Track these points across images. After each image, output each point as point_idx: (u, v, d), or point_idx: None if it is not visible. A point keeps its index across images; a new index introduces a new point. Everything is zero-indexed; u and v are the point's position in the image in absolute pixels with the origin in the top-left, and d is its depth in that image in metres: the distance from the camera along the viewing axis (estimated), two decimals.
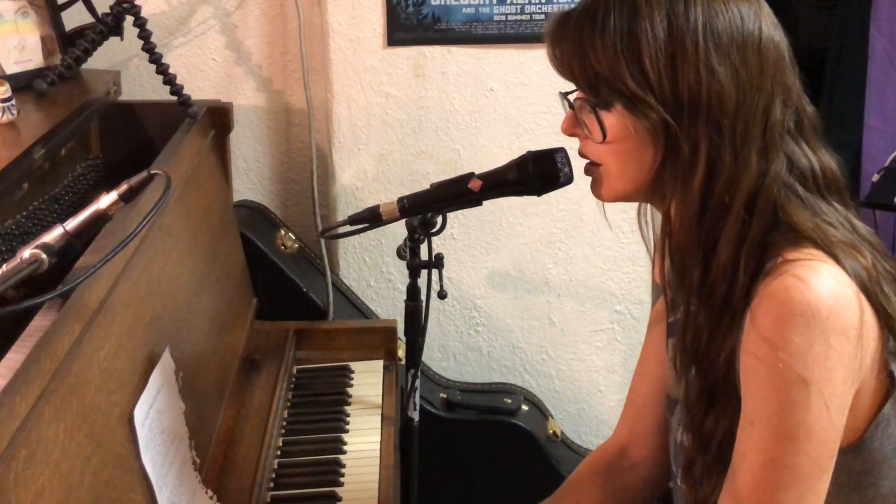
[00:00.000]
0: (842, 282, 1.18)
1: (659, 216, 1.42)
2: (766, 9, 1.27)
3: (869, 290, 1.21)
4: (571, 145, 2.40)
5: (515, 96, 2.43)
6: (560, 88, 2.38)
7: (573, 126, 1.34)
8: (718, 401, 1.28)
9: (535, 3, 2.35)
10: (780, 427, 1.19)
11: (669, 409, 1.47)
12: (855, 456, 1.26)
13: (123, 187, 1.28)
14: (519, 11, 2.36)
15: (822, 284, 1.16)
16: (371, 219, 1.68)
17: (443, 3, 2.35)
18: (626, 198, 1.34)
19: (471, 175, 1.64)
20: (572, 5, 1.29)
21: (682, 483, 1.39)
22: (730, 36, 1.22)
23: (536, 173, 1.61)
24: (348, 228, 1.71)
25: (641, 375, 1.58)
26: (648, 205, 1.41)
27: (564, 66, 1.30)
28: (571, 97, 1.34)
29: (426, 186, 1.71)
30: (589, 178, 1.36)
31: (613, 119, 1.26)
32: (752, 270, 1.22)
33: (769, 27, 1.25)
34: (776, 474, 1.20)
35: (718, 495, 1.28)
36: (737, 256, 1.23)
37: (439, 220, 1.71)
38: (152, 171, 1.29)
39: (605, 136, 1.27)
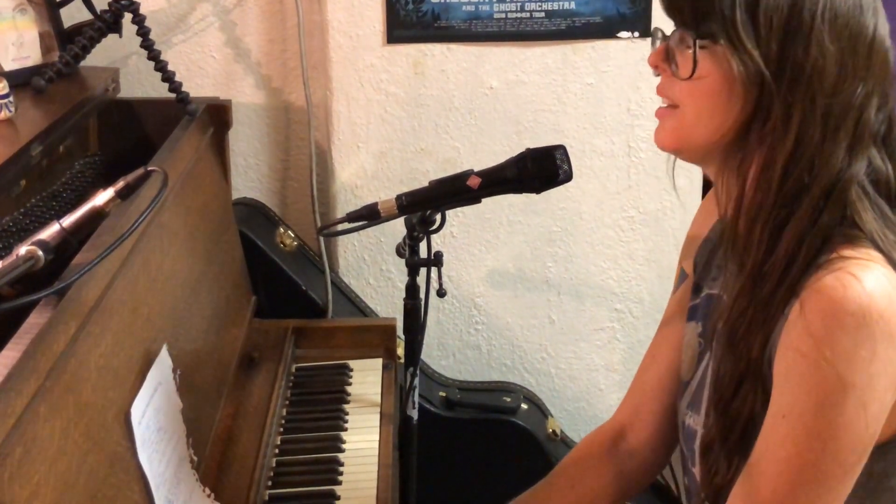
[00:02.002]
0: None
1: (690, 204, 1.38)
2: (882, 12, 1.27)
3: None
4: (571, 143, 2.42)
5: (515, 94, 2.42)
6: (561, 86, 2.41)
7: (661, 59, 1.30)
8: (747, 384, 1.27)
9: (535, 1, 2.34)
10: (811, 425, 1.18)
11: (679, 392, 1.47)
12: (878, 458, 1.25)
13: (120, 184, 1.28)
14: (519, 9, 2.36)
15: (877, 285, 1.15)
16: (369, 216, 1.67)
17: (442, 0, 2.34)
18: (688, 147, 1.31)
19: (470, 172, 1.64)
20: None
21: (694, 466, 1.39)
22: (846, 20, 1.21)
23: (535, 171, 1.61)
24: (346, 226, 1.70)
25: (653, 359, 1.58)
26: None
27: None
28: (668, 32, 1.31)
29: (425, 184, 1.71)
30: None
31: (709, 59, 1.24)
32: (808, 262, 1.21)
33: (883, 28, 1.25)
34: (799, 470, 1.19)
35: (736, 481, 1.27)
36: (800, 243, 1.21)
37: (438, 217, 1.71)
38: (149, 168, 1.29)
39: (694, 70, 1.25)
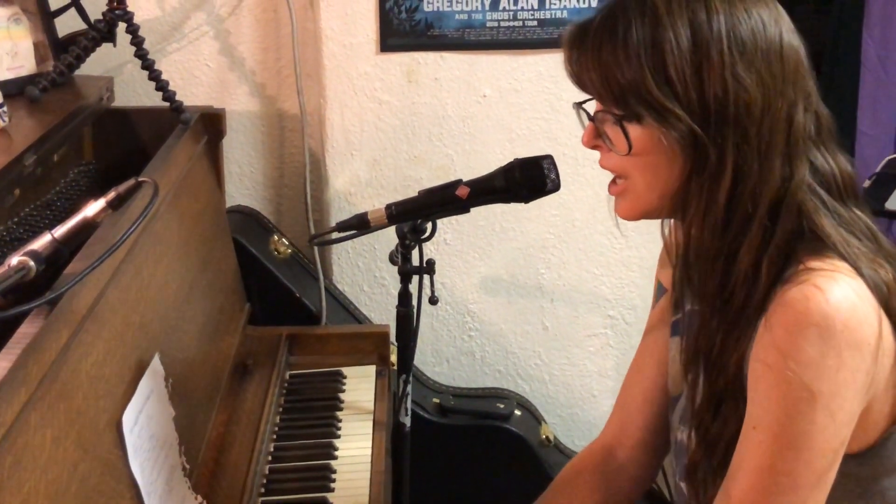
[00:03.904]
0: (861, 295, 1.18)
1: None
2: (784, 14, 1.27)
3: (889, 304, 1.20)
4: (564, 151, 2.43)
5: (508, 102, 2.44)
6: (554, 94, 2.42)
7: (594, 138, 1.31)
8: (726, 405, 1.28)
9: (528, 10, 2.36)
10: (781, 434, 1.19)
11: (671, 407, 1.48)
12: (863, 462, 1.27)
13: (111, 194, 1.29)
14: (511, 18, 2.37)
15: (840, 296, 1.16)
16: (359, 226, 1.68)
17: (435, 9, 2.35)
18: (650, 213, 1.32)
19: (458, 182, 1.65)
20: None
21: (681, 482, 1.40)
22: (753, 43, 1.22)
23: (523, 180, 1.62)
24: (337, 235, 1.71)
25: (637, 373, 1.59)
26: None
27: (584, 79, 1.28)
28: (591, 109, 1.32)
29: (419, 191, 1.72)
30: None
31: (639, 131, 1.25)
32: (773, 278, 1.22)
33: (789, 32, 1.25)
34: (773, 480, 1.21)
35: None
36: (758, 264, 1.22)
37: (429, 226, 1.72)
38: (140, 179, 1.30)
39: (630, 148, 1.26)
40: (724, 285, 1.25)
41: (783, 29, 1.25)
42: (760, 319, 1.22)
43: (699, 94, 1.21)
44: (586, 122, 1.33)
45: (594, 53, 1.25)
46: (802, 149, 1.24)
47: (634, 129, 1.25)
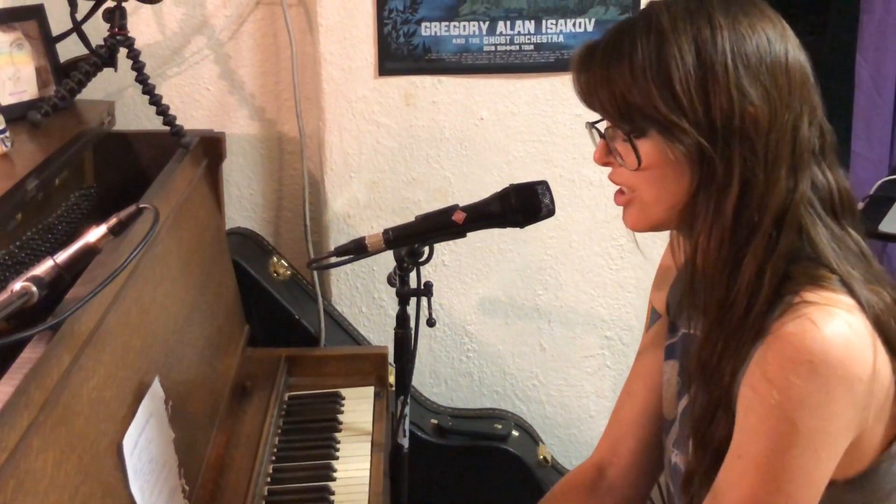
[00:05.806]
0: (857, 330, 1.19)
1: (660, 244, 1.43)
2: (789, 30, 1.29)
3: (884, 326, 1.21)
4: (560, 173, 2.45)
5: (505, 125, 2.46)
6: (550, 117, 2.44)
7: (605, 155, 1.34)
8: (721, 411, 1.29)
9: (525, 34, 2.38)
10: (765, 465, 1.20)
11: (665, 430, 1.49)
12: (855, 489, 1.27)
13: (113, 220, 1.31)
14: (508, 42, 2.39)
15: (836, 332, 1.17)
16: (357, 250, 1.70)
17: (433, 33, 2.38)
18: (658, 225, 1.34)
19: (455, 207, 1.67)
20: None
21: (679, 501, 1.41)
22: (758, 58, 1.24)
23: (519, 206, 1.64)
24: (335, 260, 1.73)
25: (628, 396, 1.60)
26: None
27: (593, 97, 1.30)
28: (601, 127, 1.34)
29: (417, 213, 1.73)
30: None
31: (648, 146, 1.27)
32: (772, 294, 1.23)
33: (794, 48, 1.27)
34: None
35: None
36: (761, 272, 1.23)
37: (426, 250, 1.73)
38: (141, 206, 1.31)
39: (639, 163, 1.28)
40: (727, 294, 1.26)
41: (788, 45, 1.27)
42: (758, 343, 1.23)
43: (705, 109, 1.22)
44: (597, 139, 1.35)
45: (602, 72, 1.27)
46: (807, 161, 1.26)
47: (643, 145, 1.27)
